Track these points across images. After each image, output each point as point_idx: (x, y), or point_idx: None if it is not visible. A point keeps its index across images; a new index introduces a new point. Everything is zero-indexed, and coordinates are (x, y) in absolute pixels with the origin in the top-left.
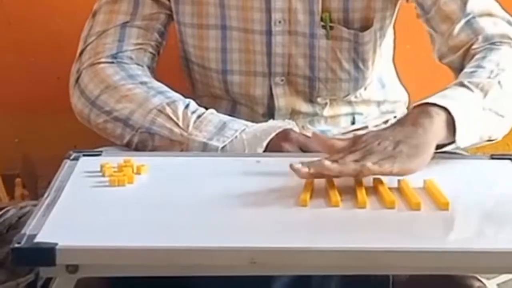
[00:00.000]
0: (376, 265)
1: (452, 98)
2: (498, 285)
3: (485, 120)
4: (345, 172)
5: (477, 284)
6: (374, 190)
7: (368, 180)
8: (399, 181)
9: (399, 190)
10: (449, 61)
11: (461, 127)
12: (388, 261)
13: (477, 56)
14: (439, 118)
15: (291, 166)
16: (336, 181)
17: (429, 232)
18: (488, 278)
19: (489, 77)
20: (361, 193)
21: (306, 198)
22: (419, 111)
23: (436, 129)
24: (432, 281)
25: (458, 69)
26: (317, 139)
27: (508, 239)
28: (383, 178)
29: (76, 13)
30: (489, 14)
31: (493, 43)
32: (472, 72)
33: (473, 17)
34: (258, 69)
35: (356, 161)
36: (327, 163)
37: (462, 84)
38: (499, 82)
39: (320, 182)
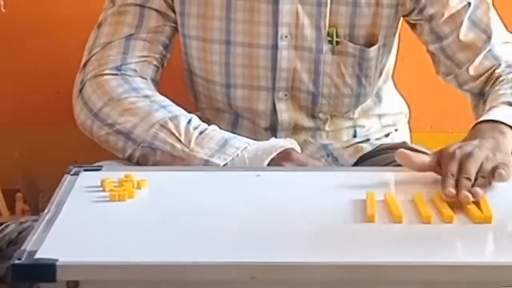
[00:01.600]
0: (375, 280)
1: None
2: None
3: None
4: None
5: None
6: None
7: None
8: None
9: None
10: (470, 88)
11: None
12: (388, 276)
13: (507, 78)
14: (510, 136)
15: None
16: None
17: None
18: None
19: None
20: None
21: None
22: (489, 128)
23: (509, 145)
24: None
25: (478, 93)
26: (404, 158)
27: (506, 252)
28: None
29: (77, 27)
30: (507, 42)
31: None
32: (508, 92)
33: (494, 46)
34: (262, 83)
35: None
36: (480, 191)
37: (510, 104)
38: None
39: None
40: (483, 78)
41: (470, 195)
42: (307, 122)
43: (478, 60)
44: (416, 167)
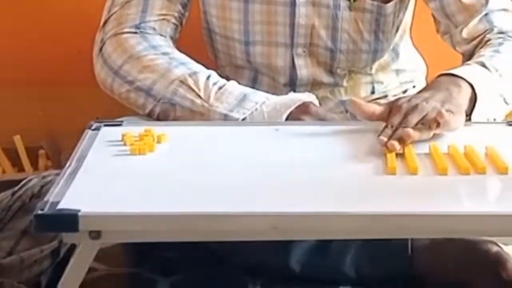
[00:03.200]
0: (394, 229)
1: (475, 76)
2: None
3: (496, 104)
4: (425, 136)
5: (495, 248)
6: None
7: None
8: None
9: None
10: (463, 50)
11: (479, 106)
12: (405, 225)
13: (493, 42)
14: (466, 91)
15: (380, 140)
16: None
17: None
18: (506, 244)
19: (506, 64)
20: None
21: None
22: (448, 80)
23: (463, 99)
24: (451, 246)
25: (470, 55)
26: (356, 106)
27: None
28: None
29: None
30: (505, 9)
31: (508, 36)
32: (491, 56)
33: (491, 11)
34: (280, 40)
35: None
36: (411, 131)
37: (483, 65)
38: None
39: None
40: (475, 41)
41: (397, 145)
42: (326, 78)
43: (472, 23)
44: (366, 116)
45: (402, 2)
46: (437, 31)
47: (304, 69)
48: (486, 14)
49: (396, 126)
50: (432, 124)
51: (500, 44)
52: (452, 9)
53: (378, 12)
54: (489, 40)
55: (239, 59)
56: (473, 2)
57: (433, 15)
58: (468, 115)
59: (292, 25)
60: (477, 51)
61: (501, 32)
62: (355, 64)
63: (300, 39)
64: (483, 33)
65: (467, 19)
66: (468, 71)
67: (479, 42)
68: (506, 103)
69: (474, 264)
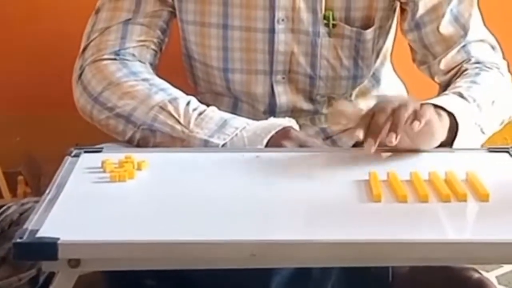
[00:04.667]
0: (374, 257)
1: (455, 105)
2: (497, 277)
3: (473, 133)
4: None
5: (476, 275)
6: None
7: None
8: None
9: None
10: (440, 81)
11: (459, 135)
12: (386, 253)
13: (470, 73)
14: (445, 120)
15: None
16: None
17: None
18: (487, 271)
19: (483, 95)
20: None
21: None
22: (427, 109)
23: (440, 128)
24: (431, 273)
25: (446, 85)
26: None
27: (505, 230)
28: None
29: (76, 11)
30: (481, 40)
31: (485, 66)
32: (468, 87)
33: (469, 42)
34: (259, 67)
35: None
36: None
37: (461, 95)
38: (492, 102)
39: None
40: (452, 72)
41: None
42: (305, 105)
43: (451, 54)
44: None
45: (382, 28)
46: (414, 60)
47: (284, 96)
48: (464, 45)
49: (382, 124)
50: (419, 118)
51: (477, 74)
52: (430, 40)
53: (357, 39)
54: (466, 70)
55: (219, 86)
56: (452, 34)
57: (410, 45)
58: (449, 144)
59: (272, 52)
60: (453, 81)
61: (478, 62)
62: (334, 91)
63: (279, 66)
64: (461, 63)
65: (445, 50)
66: (447, 101)
67: (456, 72)
68: (483, 132)
69: None
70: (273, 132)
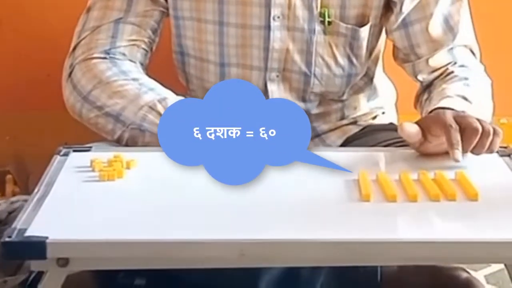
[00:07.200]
0: (363, 257)
1: (462, 107)
2: (485, 276)
3: None
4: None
5: (464, 275)
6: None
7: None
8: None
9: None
10: (423, 79)
11: None
12: (375, 252)
13: (459, 75)
14: None
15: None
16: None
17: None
18: (475, 270)
19: (476, 97)
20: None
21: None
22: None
23: None
24: (420, 273)
25: (428, 85)
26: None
27: (494, 229)
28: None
29: (66, 10)
30: (465, 46)
31: (471, 70)
32: (466, 89)
33: (455, 46)
34: (254, 63)
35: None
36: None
37: (465, 99)
38: (482, 104)
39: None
40: (436, 73)
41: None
42: (297, 105)
43: (437, 55)
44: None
45: (376, 27)
46: (395, 58)
47: (277, 94)
48: (451, 48)
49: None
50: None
51: (466, 78)
52: (418, 39)
53: (352, 36)
54: (452, 72)
55: (212, 83)
56: (441, 36)
57: (393, 44)
58: None
59: (267, 49)
60: (438, 82)
61: (463, 66)
62: (328, 89)
63: (274, 63)
64: (446, 65)
65: (431, 52)
66: (455, 103)
67: (441, 73)
68: None
69: None
70: None
